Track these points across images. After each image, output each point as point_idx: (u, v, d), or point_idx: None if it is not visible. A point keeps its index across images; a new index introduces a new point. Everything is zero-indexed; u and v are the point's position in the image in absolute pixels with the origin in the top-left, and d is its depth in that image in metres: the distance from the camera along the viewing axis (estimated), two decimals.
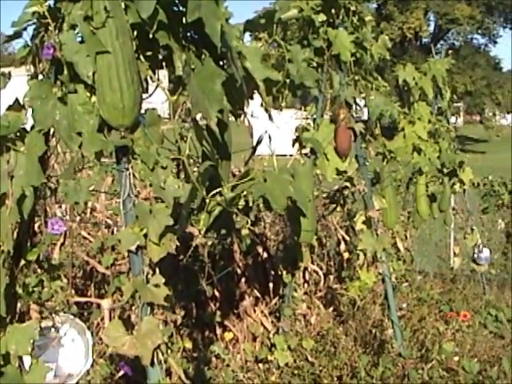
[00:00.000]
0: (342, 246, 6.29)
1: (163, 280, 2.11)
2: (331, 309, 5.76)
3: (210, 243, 5.03)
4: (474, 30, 51.25)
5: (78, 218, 5.56)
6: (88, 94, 2.11)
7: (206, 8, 2.22)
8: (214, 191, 2.56)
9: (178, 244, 4.42)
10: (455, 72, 46.00)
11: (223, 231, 4.73)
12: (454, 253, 8.15)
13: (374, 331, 5.27)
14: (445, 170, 6.70)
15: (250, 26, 3.21)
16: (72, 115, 2.11)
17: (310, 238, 3.94)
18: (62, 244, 4.90)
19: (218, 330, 4.91)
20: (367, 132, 4.76)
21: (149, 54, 2.29)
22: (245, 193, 3.16)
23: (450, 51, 7.63)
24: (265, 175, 3.07)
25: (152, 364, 2.12)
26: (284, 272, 4.65)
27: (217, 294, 4.95)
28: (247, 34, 3.43)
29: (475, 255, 7.46)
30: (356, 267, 5.96)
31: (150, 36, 2.16)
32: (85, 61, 2.05)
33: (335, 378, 4.61)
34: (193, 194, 2.41)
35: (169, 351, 2.31)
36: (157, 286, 2.11)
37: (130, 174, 2.10)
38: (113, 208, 5.10)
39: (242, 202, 5.02)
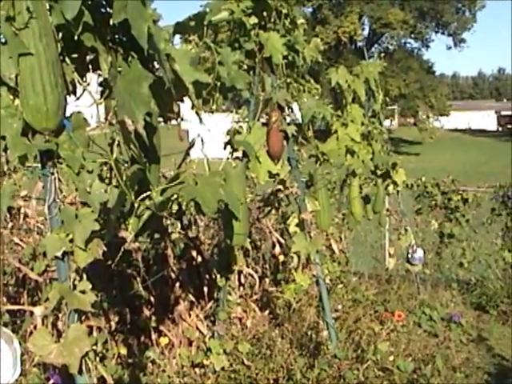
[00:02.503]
0: (277, 249, 6.30)
1: (90, 286, 2.07)
2: (267, 312, 5.77)
3: (143, 248, 4.98)
4: (407, 34, 52.08)
5: (9, 225, 5.45)
6: (11, 97, 2.06)
7: (133, 9, 2.19)
8: (143, 195, 2.53)
9: (112, 249, 4.39)
10: (389, 75, 46.68)
11: (156, 235, 4.72)
12: (389, 253, 8.26)
13: (309, 333, 5.29)
14: (378, 172, 6.77)
15: (180, 29, 3.18)
16: None
17: (243, 240, 3.93)
18: None
19: (154, 336, 4.86)
20: (300, 134, 4.77)
21: (75, 56, 2.26)
22: (177, 197, 3.13)
23: (383, 54, 7.73)
24: (196, 178, 3.05)
25: (80, 372, 2.07)
26: (218, 276, 4.63)
27: (151, 299, 4.91)
28: (177, 37, 3.40)
29: (409, 255, 7.57)
30: (291, 270, 5.98)
31: (76, 38, 2.13)
32: (7, 62, 2.00)
33: (271, 381, 4.61)
34: (121, 198, 2.38)
35: (98, 358, 2.27)
36: (83, 292, 2.07)
37: (55, 179, 2.06)
38: (45, 213, 5.00)
39: (175, 207, 5.04)
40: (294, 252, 4.76)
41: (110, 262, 4.59)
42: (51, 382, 3.24)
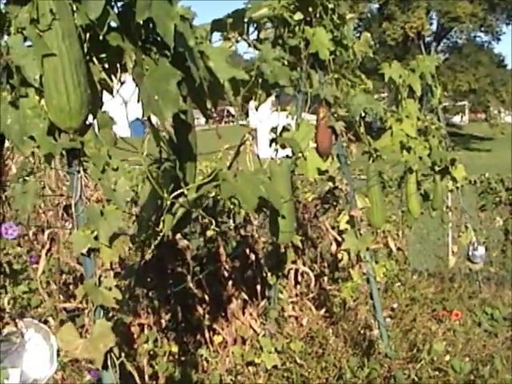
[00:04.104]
0: (334, 247, 6.25)
1: (115, 283, 2.08)
2: (323, 310, 5.73)
3: (196, 246, 5.01)
4: (477, 27, 51.06)
5: (69, 225, 5.55)
6: (37, 98, 2.09)
7: (158, 7, 2.19)
8: (176, 192, 2.53)
9: (163, 248, 4.42)
10: (458, 70, 46.00)
11: (209, 234, 4.75)
12: (453, 251, 8.11)
13: (363, 332, 5.24)
14: (436, 168, 6.64)
15: (218, 26, 3.18)
16: (24, 119, 2.10)
17: (289, 238, 3.91)
18: (49, 250, 4.90)
19: (207, 334, 4.88)
20: (350, 131, 4.72)
21: (103, 55, 2.28)
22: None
23: (441, 51, 7.57)
24: (236, 175, 3.05)
25: (105, 367, 2.09)
26: (269, 274, 4.62)
27: (206, 297, 4.93)
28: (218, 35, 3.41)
29: (470, 253, 7.42)
30: (349, 268, 5.94)
31: (101, 38, 2.15)
32: (32, 64, 2.04)
33: (323, 380, 4.58)
34: (153, 195, 2.39)
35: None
36: (109, 288, 2.08)
37: (81, 177, 2.09)
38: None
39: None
40: (344, 249, 4.71)
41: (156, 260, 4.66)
42: (88, 377, 3.29)
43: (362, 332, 5.26)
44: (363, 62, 4.99)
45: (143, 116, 2.19)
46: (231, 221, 5.22)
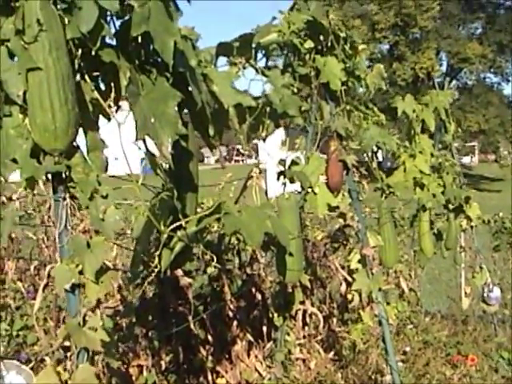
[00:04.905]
0: (343, 287, 6.01)
1: (101, 323, 1.86)
2: (332, 353, 5.49)
3: (200, 285, 4.81)
4: (487, 68, 51.29)
5: None
6: (22, 116, 1.90)
7: (156, 22, 2.01)
8: (174, 225, 2.32)
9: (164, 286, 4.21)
10: (468, 111, 45.99)
11: (210, 271, 4.55)
12: (465, 293, 7.85)
13: (374, 377, 4.99)
14: (450, 206, 6.43)
15: (224, 50, 3.01)
16: (6, 139, 1.91)
17: (296, 277, 3.68)
18: (46, 285, 4.70)
19: (210, 376, 4.65)
20: (362, 165, 4.53)
21: (97, 74, 2.09)
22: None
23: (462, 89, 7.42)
24: (241, 209, 2.84)
25: None
26: (275, 314, 4.40)
27: (209, 337, 4.71)
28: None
29: (485, 295, 7.16)
30: (359, 309, 5.70)
31: (93, 53, 1.96)
32: (16, 79, 1.85)
33: None
34: (148, 227, 2.19)
35: None
36: (94, 329, 1.86)
37: (66, 204, 1.88)
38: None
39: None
40: (355, 290, 4.49)
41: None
42: None
43: (372, 377, 5.01)
44: (373, 100, 4.83)
45: (136, 139, 1.99)
46: (237, 258, 5.02)
